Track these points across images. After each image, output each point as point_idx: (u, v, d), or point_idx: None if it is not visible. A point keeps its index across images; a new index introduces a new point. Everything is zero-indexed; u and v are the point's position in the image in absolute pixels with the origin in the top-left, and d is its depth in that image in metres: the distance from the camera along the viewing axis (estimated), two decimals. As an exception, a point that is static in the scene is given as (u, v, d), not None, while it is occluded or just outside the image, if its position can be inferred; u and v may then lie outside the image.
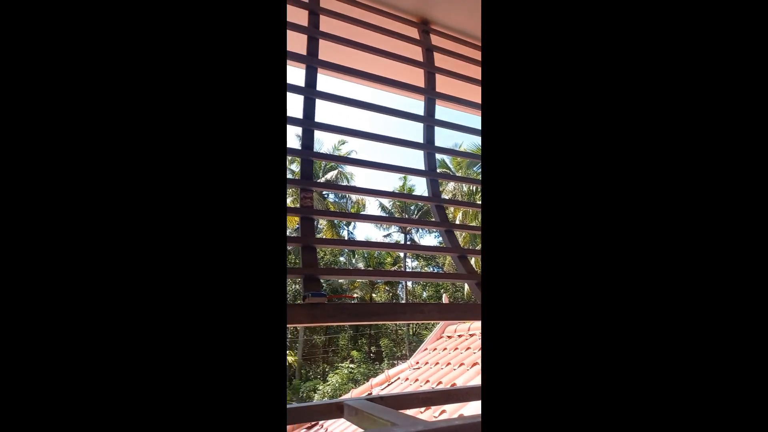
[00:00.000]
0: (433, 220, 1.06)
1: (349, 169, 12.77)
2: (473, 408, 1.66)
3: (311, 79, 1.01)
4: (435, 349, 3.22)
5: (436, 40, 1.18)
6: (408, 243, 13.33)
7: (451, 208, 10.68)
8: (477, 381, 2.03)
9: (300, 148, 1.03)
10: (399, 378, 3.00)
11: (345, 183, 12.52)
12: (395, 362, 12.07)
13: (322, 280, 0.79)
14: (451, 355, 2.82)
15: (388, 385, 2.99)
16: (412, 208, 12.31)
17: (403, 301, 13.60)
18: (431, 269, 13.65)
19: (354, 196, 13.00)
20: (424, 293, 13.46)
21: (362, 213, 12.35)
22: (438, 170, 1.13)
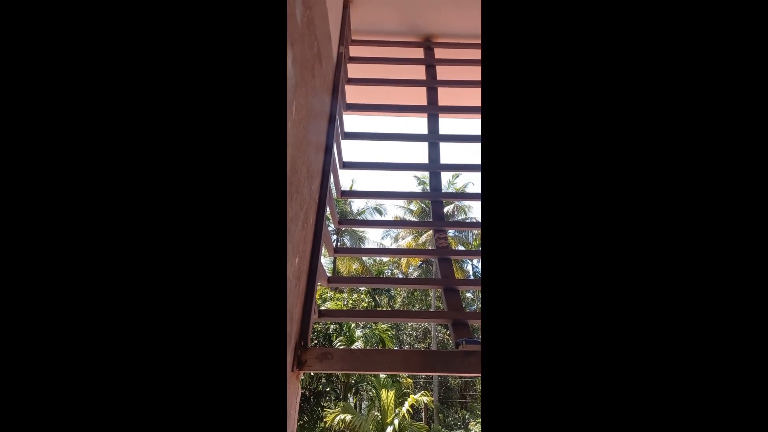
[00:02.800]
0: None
1: (465, 202, 12.54)
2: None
3: (433, 126, 1.05)
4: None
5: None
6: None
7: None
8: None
9: (429, 190, 1.06)
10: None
11: (462, 216, 12.27)
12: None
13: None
14: None
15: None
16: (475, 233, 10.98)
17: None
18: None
19: (475, 230, 12.54)
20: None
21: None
22: None
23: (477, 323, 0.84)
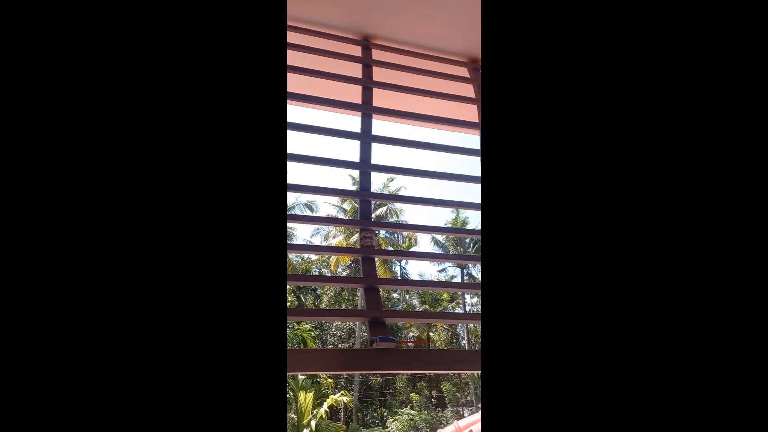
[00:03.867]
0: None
1: (398, 205, 12.95)
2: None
3: (366, 126, 1.06)
4: None
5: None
6: (465, 278, 12.75)
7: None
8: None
9: (357, 189, 1.06)
10: (471, 431, 2.72)
11: (395, 219, 12.66)
12: (460, 409, 11.10)
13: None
14: None
15: (458, 438, 2.72)
16: (467, 241, 11.92)
17: (464, 341, 12.74)
18: (492, 305, 12.77)
19: (405, 232, 13.01)
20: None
21: (416, 250, 12.24)
22: None
23: (393, 321, 0.86)
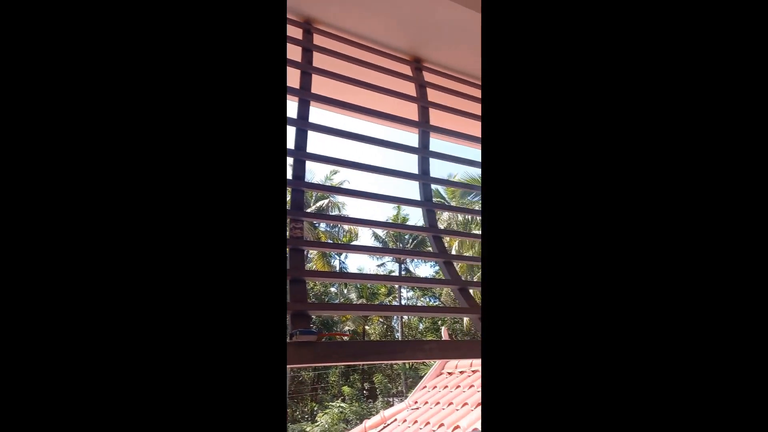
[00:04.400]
0: (430, 250, 1.03)
1: (340, 198, 12.84)
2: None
3: (304, 112, 1.01)
4: (435, 386, 3.06)
5: (428, 77, 1.20)
6: (403, 273, 13.14)
7: (447, 238, 10.66)
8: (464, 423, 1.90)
9: (291, 178, 1.01)
10: (396, 419, 2.81)
11: (336, 212, 12.51)
12: (391, 400, 11.45)
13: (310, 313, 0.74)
14: (452, 393, 2.67)
15: (384, 427, 2.80)
16: (407, 237, 12.29)
17: (398, 333, 13.16)
18: (427, 300, 13.38)
19: (346, 226, 12.96)
20: (421, 325, 13.09)
21: (355, 243, 12.26)
22: (433, 200, 1.11)
23: (318, 315, 0.82)
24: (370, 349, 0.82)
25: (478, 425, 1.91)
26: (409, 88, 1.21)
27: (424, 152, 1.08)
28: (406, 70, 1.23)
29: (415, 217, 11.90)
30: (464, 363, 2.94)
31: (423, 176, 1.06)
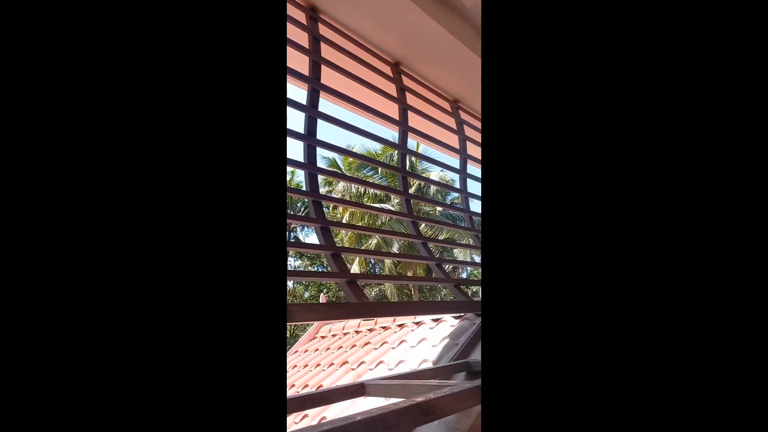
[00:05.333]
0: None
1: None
2: (335, 411, 1.64)
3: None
4: (307, 350, 3.12)
5: (323, 30, 1.13)
6: (291, 240, 12.80)
7: (340, 208, 10.77)
8: (344, 381, 2.03)
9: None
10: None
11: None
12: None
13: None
14: (322, 355, 2.77)
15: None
16: (299, 205, 11.90)
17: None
18: (315, 269, 13.43)
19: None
20: (306, 293, 13.14)
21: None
22: (330, 168, 1.10)
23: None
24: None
25: (341, 383, 2.04)
26: (391, 89, 1.23)
27: (312, 111, 1.02)
28: (387, 71, 1.30)
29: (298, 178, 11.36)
30: (337, 327, 3.09)
31: (309, 137, 1.00)
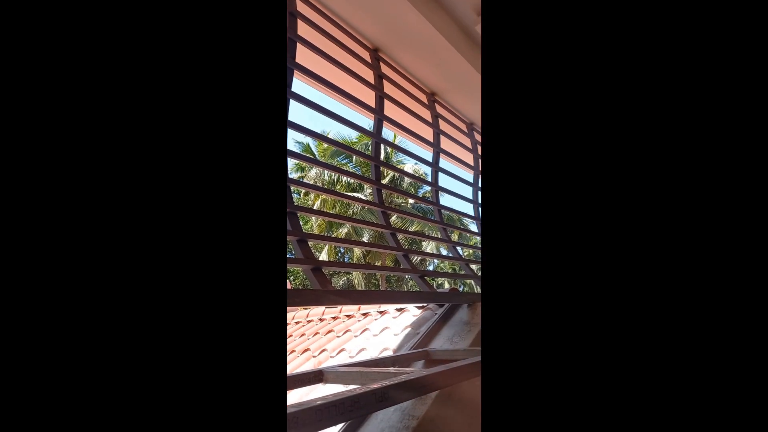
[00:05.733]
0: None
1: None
2: (294, 398, 1.64)
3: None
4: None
5: (300, 6, 1.09)
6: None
7: (312, 195, 10.57)
8: (305, 368, 2.02)
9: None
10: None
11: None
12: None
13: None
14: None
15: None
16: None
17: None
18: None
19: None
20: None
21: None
22: (303, 153, 1.07)
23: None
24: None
25: (299, 371, 2.03)
26: (369, 75, 1.19)
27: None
28: (366, 56, 1.25)
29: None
30: (301, 314, 3.06)
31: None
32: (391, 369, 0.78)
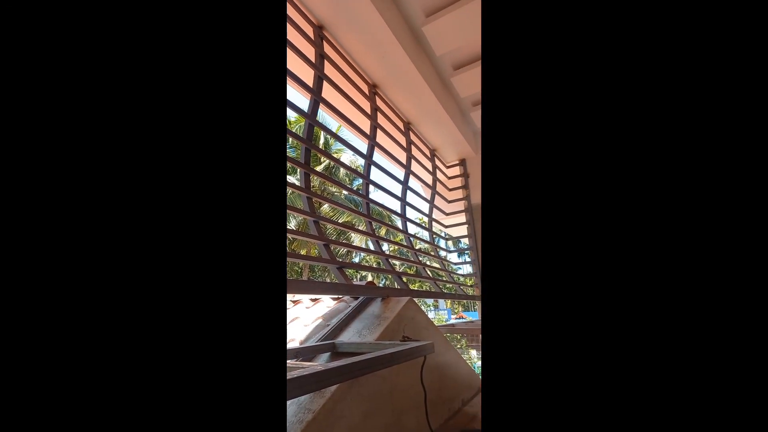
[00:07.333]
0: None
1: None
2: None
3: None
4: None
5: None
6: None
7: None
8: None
9: None
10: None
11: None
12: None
13: None
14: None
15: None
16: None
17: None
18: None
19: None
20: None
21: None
22: None
23: None
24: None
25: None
26: (311, 52, 1.12)
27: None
28: (310, 32, 1.19)
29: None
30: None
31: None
32: (291, 362, 0.75)
